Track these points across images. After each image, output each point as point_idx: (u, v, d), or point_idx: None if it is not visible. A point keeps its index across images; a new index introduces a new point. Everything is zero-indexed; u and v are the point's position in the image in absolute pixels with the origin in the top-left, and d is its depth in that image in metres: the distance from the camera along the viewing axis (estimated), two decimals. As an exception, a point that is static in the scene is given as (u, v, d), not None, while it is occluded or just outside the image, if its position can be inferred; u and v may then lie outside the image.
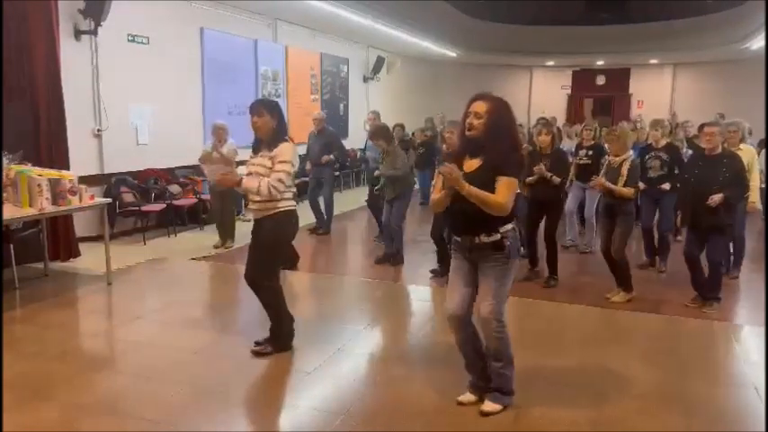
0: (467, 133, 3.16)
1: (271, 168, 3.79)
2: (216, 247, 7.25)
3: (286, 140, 3.89)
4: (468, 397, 3.37)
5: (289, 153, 3.83)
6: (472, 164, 3.16)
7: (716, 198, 4.73)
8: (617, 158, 5.20)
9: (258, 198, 3.83)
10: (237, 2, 9.11)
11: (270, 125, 3.87)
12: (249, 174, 3.88)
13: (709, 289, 5.09)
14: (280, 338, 4.02)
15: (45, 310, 4.84)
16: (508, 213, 3.10)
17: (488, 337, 3.22)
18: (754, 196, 5.83)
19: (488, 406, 3.26)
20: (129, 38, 7.50)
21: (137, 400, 3.38)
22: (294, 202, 4.01)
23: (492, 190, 3.04)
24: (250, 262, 4.01)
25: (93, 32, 6.85)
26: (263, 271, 3.96)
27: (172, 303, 5.14)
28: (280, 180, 3.77)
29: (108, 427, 3.07)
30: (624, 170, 5.07)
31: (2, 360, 3.61)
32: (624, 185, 5.04)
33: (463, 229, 3.19)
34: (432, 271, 6.06)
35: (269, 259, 3.98)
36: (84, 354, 4.16)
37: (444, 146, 6.10)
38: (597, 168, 6.10)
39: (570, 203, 7.37)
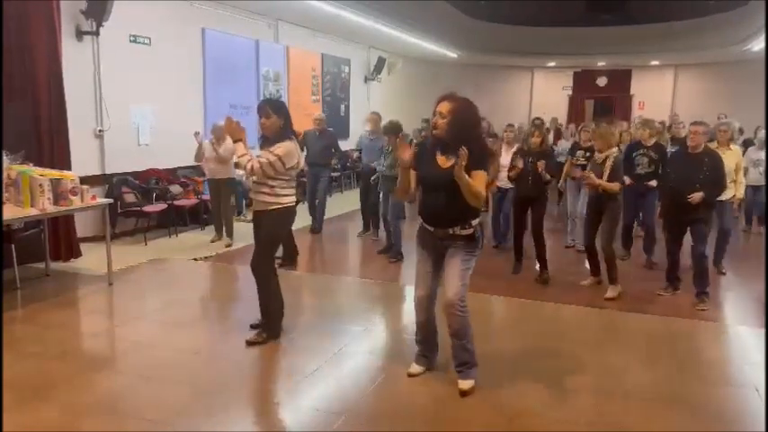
0: (433, 132, 3.41)
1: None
2: (212, 241, 7.36)
3: (290, 139, 4.03)
4: (416, 368, 3.72)
5: (285, 149, 3.96)
6: (444, 161, 3.38)
7: (696, 197, 4.94)
8: (601, 155, 5.38)
9: (256, 188, 4.06)
10: (239, 2, 9.12)
11: (277, 125, 4.02)
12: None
13: (698, 284, 5.22)
14: (269, 325, 4.22)
15: (46, 310, 4.85)
16: (482, 203, 3.39)
17: (452, 317, 3.44)
18: (740, 192, 6.16)
19: (466, 384, 3.47)
20: (131, 38, 7.51)
21: (137, 400, 3.39)
22: (293, 198, 4.15)
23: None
24: (255, 251, 4.25)
25: (95, 33, 6.86)
26: (263, 258, 4.23)
27: (172, 303, 5.14)
28: (261, 164, 3.91)
29: (108, 427, 3.08)
30: (607, 166, 5.26)
31: (2, 360, 3.62)
32: (608, 180, 5.22)
33: (439, 221, 3.42)
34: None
35: (268, 251, 4.24)
36: (85, 354, 4.16)
37: None
38: None
39: (571, 204, 7.41)
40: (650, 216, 6.59)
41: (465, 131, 3.30)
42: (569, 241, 7.40)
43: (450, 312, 3.42)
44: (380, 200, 7.03)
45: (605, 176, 5.23)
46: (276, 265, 4.50)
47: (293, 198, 4.14)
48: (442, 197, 3.33)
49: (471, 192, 3.24)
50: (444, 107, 3.33)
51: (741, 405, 3.50)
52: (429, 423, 3.17)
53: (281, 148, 3.95)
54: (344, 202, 10.04)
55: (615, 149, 5.42)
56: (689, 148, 5.19)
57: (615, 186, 5.21)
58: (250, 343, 4.11)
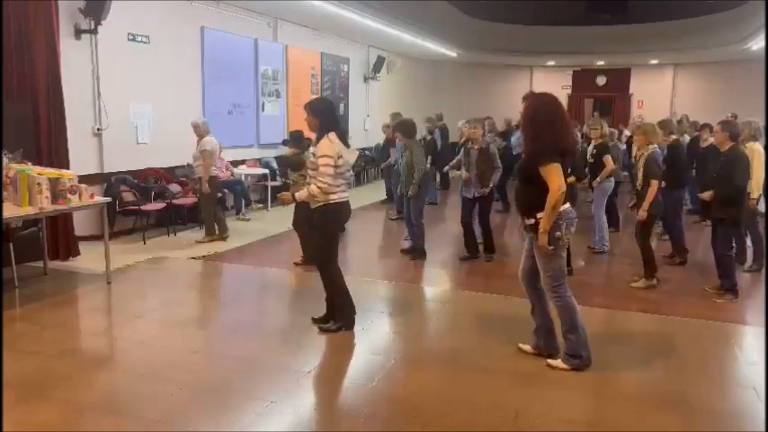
0: None
1: (314, 164, 4.17)
2: (202, 240, 7.37)
3: (328, 137, 4.17)
4: (526, 347, 4.01)
5: (326, 149, 4.14)
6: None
7: (704, 195, 5.35)
8: (639, 152, 5.63)
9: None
10: (238, 1, 9.10)
11: (314, 124, 4.27)
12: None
13: (720, 278, 5.38)
14: (341, 315, 4.37)
15: (44, 309, 4.84)
16: (563, 194, 3.53)
17: (552, 303, 3.82)
18: (754, 192, 5.99)
19: (554, 362, 3.82)
20: (130, 37, 7.49)
21: (136, 399, 3.38)
22: (342, 195, 4.29)
23: (529, 178, 3.62)
24: (313, 248, 4.58)
25: (94, 31, 6.84)
26: (319, 253, 4.46)
27: (171, 302, 5.13)
28: (323, 176, 4.11)
29: (107, 426, 3.07)
30: (641, 164, 5.49)
31: (1, 359, 3.61)
32: (643, 178, 5.44)
33: (518, 209, 3.87)
34: (461, 258, 6.63)
35: (321, 246, 4.40)
36: (84, 353, 4.15)
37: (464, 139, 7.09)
38: (601, 167, 6.75)
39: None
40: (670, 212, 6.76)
41: (533, 128, 3.65)
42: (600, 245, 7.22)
43: (549, 299, 3.83)
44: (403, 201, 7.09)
45: (640, 175, 5.54)
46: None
47: (340, 194, 4.26)
48: (518, 187, 3.83)
49: (552, 204, 3.50)
50: (521, 107, 3.82)
51: (741, 405, 3.50)
52: (428, 423, 3.16)
53: (320, 149, 4.15)
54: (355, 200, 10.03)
55: (653, 147, 5.60)
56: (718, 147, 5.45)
57: (651, 193, 5.41)
58: (322, 330, 4.36)
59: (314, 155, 4.20)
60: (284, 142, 6.49)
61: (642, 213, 5.49)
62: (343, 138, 4.30)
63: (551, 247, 3.57)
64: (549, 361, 3.81)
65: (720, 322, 4.83)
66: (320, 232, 4.35)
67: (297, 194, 4.31)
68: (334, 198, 4.23)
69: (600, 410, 3.32)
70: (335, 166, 4.15)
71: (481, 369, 3.80)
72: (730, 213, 5.19)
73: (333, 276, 4.36)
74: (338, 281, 4.38)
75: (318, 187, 4.12)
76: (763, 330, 4.49)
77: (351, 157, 4.32)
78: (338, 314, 4.38)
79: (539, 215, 3.57)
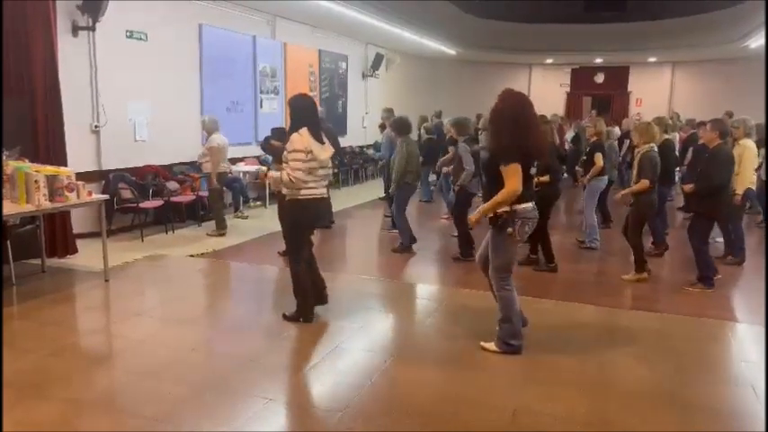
0: None
1: (286, 158, 4.24)
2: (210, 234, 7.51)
3: (299, 132, 4.22)
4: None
5: (295, 143, 4.19)
6: None
7: (686, 187, 5.51)
8: (637, 150, 5.72)
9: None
10: (236, -2, 9.10)
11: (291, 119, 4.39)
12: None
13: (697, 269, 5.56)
14: (298, 308, 4.49)
15: (42, 307, 4.83)
16: (519, 194, 3.60)
17: (495, 291, 3.96)
18: (739, 188, 6.11)
19: (487, 345, 3.97)
20: (128, 34, 7.47)
21: (135, 396, 3.38)
22: (313, 192, 4.32)
23: (493, 177, 3.68)
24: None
25: (91, 28, 6.82)
26: (287, 249, 4.60)
27: (170, 300, 5.13)
28: (293, 171, 4.16)
29: (106, 425, 3.06)
30: (635, 162, 5.63)
31: (2, 359, 3.60)
32: (637, 175, 5.50)
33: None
34: (454, 258, 6.51)
35: (287, 240, 4.54)
36: (82, 350, 4.15)
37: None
38: (593, 165, 6.77)
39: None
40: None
41: (495, 124, 3.73)
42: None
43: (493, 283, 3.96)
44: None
45: (634, 173, 5.60)
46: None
47: (309, 192, 4.28)
48: (484, 184, 3.92)
49: (500, 202, 3.62)
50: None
51: (739, 404, 3.50)
52: (426, 422, 3.16)
53: (290, 143, 4.22)
54: (344, 200, 10.03)
55: (650, 146, 5.56)
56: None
57: (640, 186, 5.46)
58: (285, 318, 4.52)
59: (286, 149, 4.26)
60: (266, 139, 6.61)
61: (618, 196, 5.75)
62: (317, 135, 4.28)
63: (476, 225, 3.88)
64: (483, 343, 3.98)
65: (719, 321, 4.83)
66: (288, 226, 4.49)
67: (270, 173, 4.41)
68: (304, 194, 4.28)
69: (599, 409, 3.32)
70: (305, 161, 4.18)
71: (479, 367, 3.80)
72: (707, 208, 5.38)
73: (296, 271, 4.46)
74: (301, 277, 4.46)
75: (289, 179, 4.18)
76: (761, 329, 4.50)
77: (323, 153, 4.29)
78: (298, 308, 4.50)
79: (499, 210, 3.68)
